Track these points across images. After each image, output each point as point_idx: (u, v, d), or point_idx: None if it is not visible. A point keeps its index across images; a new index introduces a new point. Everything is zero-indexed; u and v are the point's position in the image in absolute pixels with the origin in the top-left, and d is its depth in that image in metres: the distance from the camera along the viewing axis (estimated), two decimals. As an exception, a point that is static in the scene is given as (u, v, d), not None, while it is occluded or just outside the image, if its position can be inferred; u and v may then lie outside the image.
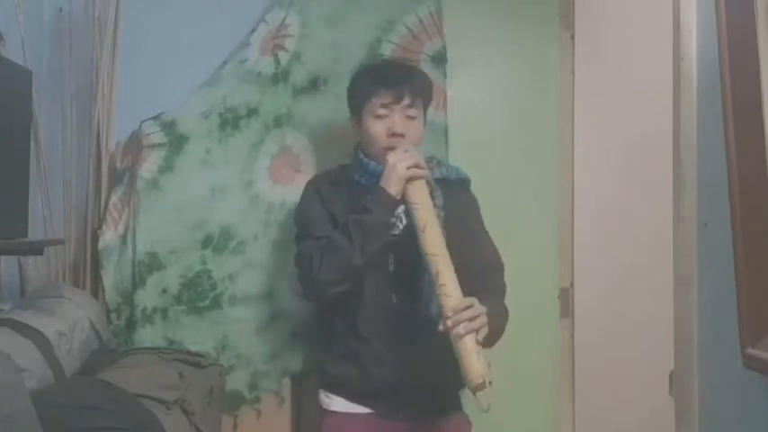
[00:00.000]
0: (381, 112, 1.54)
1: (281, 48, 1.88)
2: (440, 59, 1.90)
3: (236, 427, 1.81)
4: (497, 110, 2.02)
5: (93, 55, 1.81)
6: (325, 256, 1.47)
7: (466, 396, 1.64)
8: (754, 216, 1.01)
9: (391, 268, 1.52)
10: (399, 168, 1.46)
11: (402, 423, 1.52)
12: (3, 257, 1.70)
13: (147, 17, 1.87)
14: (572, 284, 2.03)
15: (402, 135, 1.53)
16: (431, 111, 1.87)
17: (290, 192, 1.85)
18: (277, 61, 1.88)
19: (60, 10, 1.85)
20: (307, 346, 1.84)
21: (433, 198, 1.49)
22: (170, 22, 1.89)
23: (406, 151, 1.49)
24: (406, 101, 1.54)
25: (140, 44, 1.85)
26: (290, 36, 1.89)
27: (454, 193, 1.58)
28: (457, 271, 1.37)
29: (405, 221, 1.53)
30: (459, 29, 1.94)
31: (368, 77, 1.59)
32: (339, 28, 1.90)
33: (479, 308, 1.32)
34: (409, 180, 1.46)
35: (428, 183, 1.50)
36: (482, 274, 1.52)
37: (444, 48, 1.91)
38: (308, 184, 1.65)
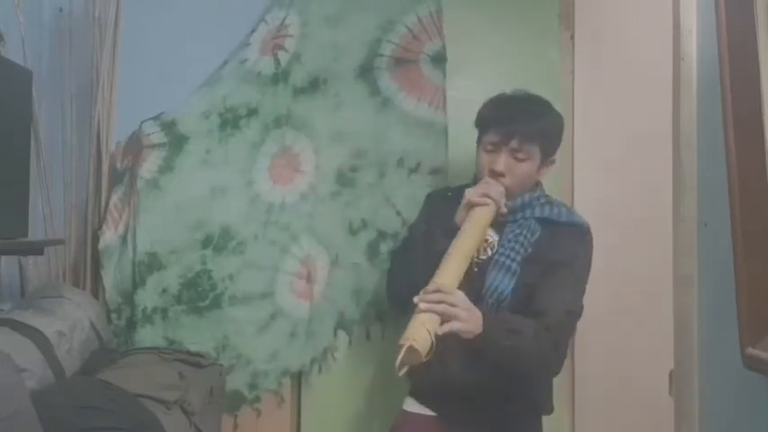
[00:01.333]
0: (489, 147, 1.54)
1: (281, 48, 1.88)
2: (440, 59, 1.90)
3: (236, 427, 1.81)
4: (497, 110, 2.01)
5: (93, 55, 1.81)
6: (393, 265, 1.75)
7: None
8: (754, 216, 1.01)
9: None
10: (467, 197, 1.48)
11: (462, 430, 1.50)
12: (3, 257, 1.70)
13: (147, 17, 1.87)
14: (572, 284, 2.03)
15: (502, 174, 1.51)
16: (431, 111, 1.88)
17: (290, 192, 1.85)
18: (277, 61, 1.88)
19: (60, 10, 1.85)
20: (306, 346, 1.84)
21: (523, 238, 1.49)
22: (170, 22, 1.89)
23: (485, 182, 1.50)
24: (514, 144, 1.51)
25: (140, 44, 1.85)
26: (290, 36, 1.89)
27: (557, 235, 1.51)
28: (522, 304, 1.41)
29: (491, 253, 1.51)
30: (459, 29, 1.94)
31: (487, 110, 1.59)
32: (339, 28, 1.89)
33: (452, 297, 1.30)
34: (472, 207, 1.47)
35: (500, 214, 1.49)
36: (542, 304, 1.45)
37: (444, 48, 1.90)
38: (426, 196, 1.73)
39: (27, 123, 1.64)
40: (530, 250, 1.48)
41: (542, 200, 1.57)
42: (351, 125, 1.87)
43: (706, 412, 1.26)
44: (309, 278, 1.84)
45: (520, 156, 1.51)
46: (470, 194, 1.48)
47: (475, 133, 2.00)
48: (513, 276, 1.46)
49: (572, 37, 2.04)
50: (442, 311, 1.29)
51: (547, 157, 1.57)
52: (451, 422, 1.52)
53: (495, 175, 1.51)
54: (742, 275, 1.01)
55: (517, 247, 1.48)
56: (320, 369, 1.86)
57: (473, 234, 1.44)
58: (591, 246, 1.57)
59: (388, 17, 1.90)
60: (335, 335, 1.87)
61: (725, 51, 1.06)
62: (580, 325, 2.02)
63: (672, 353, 1.42)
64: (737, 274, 1.02)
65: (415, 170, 1.86)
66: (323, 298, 1.85)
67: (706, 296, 1.27)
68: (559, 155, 2.00)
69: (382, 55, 1.89)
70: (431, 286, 1.31)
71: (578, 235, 1.56)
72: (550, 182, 2.01)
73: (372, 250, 1.85)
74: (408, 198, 1.84)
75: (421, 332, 1.24)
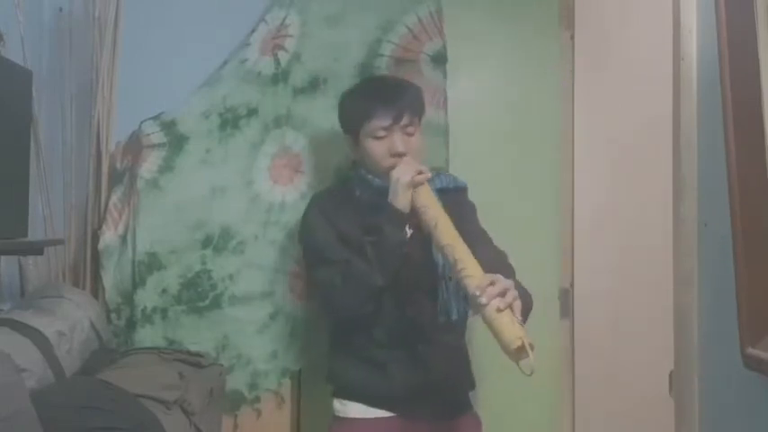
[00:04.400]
0: (381, 133, 1.54)
1: (281, 48, 1.88)
2: (440, 59, 1.90)
3: (236, 427, 1.81)
4: (497, 110, 2.02)
5: (93, 55, 1.81)
6: (346, 281, 1.49)
7: (475, 397, 1.66)
8: (754, 216, 1.00)
9: (405, 281, 1.52)
10: (403, 180, 1.48)
11: (423, 423, 1.54)
12: (3, 257, 1.70)
13: (147, 17, 1.87)
14: (572, 285, 2.03)
15: (404, 154, 1.54)
16: (431, 111, 1.88)
17: (290, 192, 1.85)
18: (277, 61, 1.88)
19: (60, 10, 1.85)
20: (306, 346, 1.84)
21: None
22: (170, 22, 1.89)
23: (406, 163, 1.51)
24: (405, 120, 1.54)
25: (140, 44, 1.86)
26: (290, 36, 1.89)
27: (453, 201, 1.58)
28: None
29: (410, 233, 1.53)
30: (459, 29, 1.94)
31: (363, 98, 1.59)
32: (339, 28, 1.90)
33: (505, 282, 1.29)
34: (414, 187, 1.48)
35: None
36: (491, 267, 1.49)
37: (444, 48, 1.90)
38: (311, 206, 1.64)
39: (27, 123, 1.64)
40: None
41: (432, 172, 1.60)
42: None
43: (706, 412, 1.26)
44: (309, 278, 1.84)
45: (410, 130, 1.56)
46: (406, 175, 1.48)
47: (474, 133, 2.01)
48: None
49: (572, 37, 2.04)
50: (513, 300, 1.27)
51: (420, 125, 1.62)
52: (411, 418, 1.54)
53: (399, 156, 1.53)
54: (742, 275, 1.01)
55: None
56: (320, 369, 1.86)
57: (442, 214, 1.45)
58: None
59: (388, 17, 1.90)
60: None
61: (725, 51, 1.06)
62: (580, 324, 2.03)
63: (672, 353, 1.41)
64: (737, 274, 1.02)
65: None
66: (323, 298, 1.85)
67: (706, 296, 1.27)
68: (560, 155, 2.02)
69: (382, 55, 1.89)
70: (484, 282, 1.27)
71: (466, 195, 1.70)
72: (550, 182, 2.02)
73: (372, 250, 1.85)
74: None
75: (519, 328, 1.23)
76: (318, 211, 1.61)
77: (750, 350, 1.00)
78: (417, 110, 1.60)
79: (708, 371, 1.25)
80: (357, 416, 1.56)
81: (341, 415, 1.58)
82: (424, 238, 1.51)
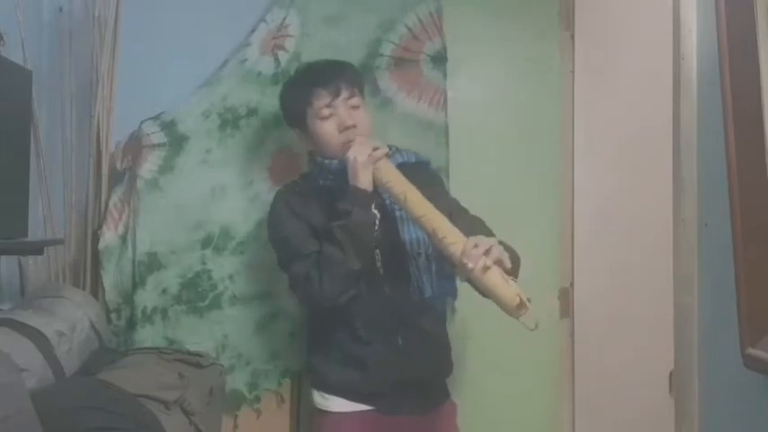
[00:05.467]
0: (326, 112, 1.55)
1: (281, 48, 1.88)
2: (440, 59, 1.90)
3: (236, 427, 1.81)
4: (497, 110, 2.02)
5: (93, 55, 1.81)
6: (323, 271, 1.48)
7: (452, 384, 1.67)
8: (754, 216, 1.01)
9: (378, 264, 1.53)
10: (360, 158, 1.48)
11: (403, 417, 1.55)
12: (3, 257, 1.70)
13: (147, 17, 1.87)
14: (572, 284, 2.03)
15: (354, 126, 1.55)
16: (431, 110, 1.88)
17: (290, 192, 1.85)
18: (277, 61, 1.88)
19: (60, 10, 1.85)
20: (305, 347, 1.84)
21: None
22: (170, 22, 1.89)
23: (360, 144, 1.52)
24: (345, 93, 1.56)
25: (140, 44, 1.85)
26: (290, 36, 1.89)
27: (417, 175, 1.57)
28: None
29: (379, 215, 1.54)
30: (459, 29, 1.94)
31: (299, 86, 1.61)
32: (339, 28, 1.90)
33: (489, 240, 1.32)
34: (373, 164, 1.49)
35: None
36: (471, 233, 1.50)
37: (444, 47, 1.91)
38: (276, 202, 1.63)
39: (27, 123, 1.64)
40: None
41: (392, 148, 1.62)
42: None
43: (706, 412, 1.26)
44: (309, 278, 1.84)
45: (353, 102, 1.57)
46: (361, 155, 1.48)
47: (474, 133, 2.01)
48: None
49: (572, 37, 2.04)
50: (500, 255, 1.30)
51: (363, 99, 1.62)
52: (389, 411, 1.55)
53: (349, 129, 1.54)
54: (742, 275, 1.01)
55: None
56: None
57: (410, 187, 1.45)
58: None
59: (388, 17, 1.90)
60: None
61: (725, 50, 1.06)
62: (580, 324, 2.03)
63: (672, 353, 1.41)
64: (737, 275, 1.02)
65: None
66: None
67: (706, 296, 1.27)
68: (560, 154, 2.02)
69: (382, 55, 1.89)
70: (468, 245, 1.30)
71: (427, 167, 1.70)
72: (550, 181, 2.02)
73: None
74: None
75: (514, 286, 1.26)
76: (284, 206, 1.60)
77: (750, 350, 1.00)
78: (355, 82, 1.61)
79: (708, 371, 1.25)
80: (338, 409, 1.57)
81: (322, 408, 1.59)
82: (389, 218, 1.51)
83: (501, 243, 1.39)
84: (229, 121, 1.86)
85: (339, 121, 1.55)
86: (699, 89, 1.29)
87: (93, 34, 1.81)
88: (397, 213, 1.54)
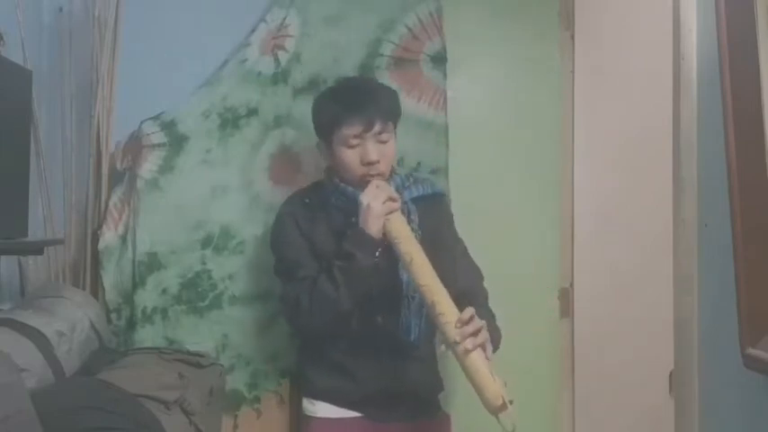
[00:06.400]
0: (353, 142, 1.51)
1: (281, 48, 1.88)
2: (440, 59, 1.90)
3: (236, 427, 1.81)
4: (497, 110, 2.02)
5: (93, 55, 1.81)
6: (313, 302, 1.48)
7: (446, 397, 1.68)
8: (754, 216, 1.01)
9: (374, 293, 1.52)
10: (374, 207, 1.44)
11: (392, 424, 1.55)
12: (3, 257, 1.70)
13: (147, 17, 1.87)
14: (572, 284, 2.03)
15: (377, 162, 1.52)
16: (431, 111, 1.88)
17: (290, 192, 1.85)
18: (277, 61, 1.88)
19: (60, 10, 1.85)
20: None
21: (410, 223, 1.50)
22: (170, 21, 1.89)
23: (377, 187, 1.48)
24: (378, 128, 1.51)
25: (140, 44, 1.85)
26: (290, 36, 1.89)
27: (429, 209, 1.58)
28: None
29: (379, 251, 1.50)
30: (459, 29, 1.94)
31: (335, 104, 1.55)
32: (339, 28, 1.90)
33: (479, 322, 1.32)
34: (387, 215, 1.46)
35: (402, 211, 1.50)
36: (462, 283, 1.53)
37: (444, 48, 1.91)
38: (283, 211, 1.62)
39: (27, 123, 1.64)
40: (419, 233, 1.50)
41: (408, 180, 1.60)
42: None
43: (706, 412, 1.26)
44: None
45: (383, 137, 1.53)
46: (376, 202, 1.44)
47: (474, 133, 2.01)
48: None
49: (572, 37, 2.04)
50: (483, 341, 1.31)
51: (395, 130, 1.59)
52: (378, 419, 1.56)
53: (372, 165, 1.51)
54: (742, 276, 1.01)
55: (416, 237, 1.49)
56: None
57: (417, 249, 1.42)
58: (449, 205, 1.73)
59: (388, 17, 1.90)
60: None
61: (725, 50, 1.06)
62: (580, 324, 2.03)
63: (672, 353, 1.41)
64: (737, 274, 1.02)
65: (415, 170, 1.86)
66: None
67: (706, 296, 1.27)
68: (560, 154, 2.02)
69: (382, 55, 1.89)
70: (465, 316, 1.30)
71: (443, 202, 1.69)
72: (550, 182, 2.02)
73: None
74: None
75: (498, 383, 1.27)
76: (291, 218, 1.59)
77: (750, 350, 1.00)
78: (391, 116, 1.56)
79: (708, 371, 1.25)
80: (324, 415, 1.57)
81: (310, 414, 1.59)
82: (392, 254, 1.47)
83: (489, 323, 1.39)
84: (229, 121, 1.86)
85: (363, 153, 1.51)
86: (699, 89, 1.29)
87: (93, 34, 1.81)
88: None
